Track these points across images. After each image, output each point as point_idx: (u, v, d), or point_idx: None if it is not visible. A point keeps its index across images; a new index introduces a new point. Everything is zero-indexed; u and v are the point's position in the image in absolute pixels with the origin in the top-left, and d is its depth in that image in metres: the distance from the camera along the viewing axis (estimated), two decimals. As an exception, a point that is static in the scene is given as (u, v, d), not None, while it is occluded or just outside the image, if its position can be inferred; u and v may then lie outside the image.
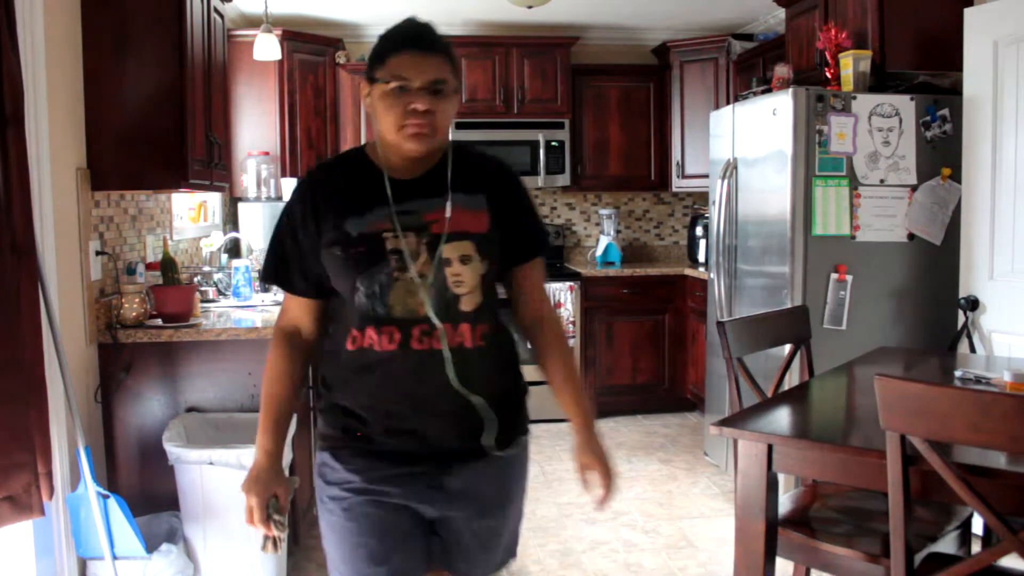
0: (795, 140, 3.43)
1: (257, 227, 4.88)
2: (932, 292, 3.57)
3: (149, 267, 3.14)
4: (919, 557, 1.93)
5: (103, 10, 2.84)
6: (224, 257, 4.35)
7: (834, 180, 3.47)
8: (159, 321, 2.99)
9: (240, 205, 4.94)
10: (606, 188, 5.76)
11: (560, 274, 5.30)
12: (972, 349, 3.31)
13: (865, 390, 2.29)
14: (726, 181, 4.01)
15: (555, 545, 3.40)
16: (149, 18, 2.88)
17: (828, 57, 3.65)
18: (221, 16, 3.53)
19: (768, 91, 3.77)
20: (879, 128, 3.47)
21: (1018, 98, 3.16)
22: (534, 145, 5.41)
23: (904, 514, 1.67)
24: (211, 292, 3.70)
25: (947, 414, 1.55)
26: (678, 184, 5.62)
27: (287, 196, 5.02)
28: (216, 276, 3.82)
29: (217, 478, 2.61)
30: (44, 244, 2.45)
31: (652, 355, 5.40)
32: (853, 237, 3.50)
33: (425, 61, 1.56)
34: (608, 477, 1.68)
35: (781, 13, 4.63)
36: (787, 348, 2.68)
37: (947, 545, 2.11)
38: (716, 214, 4.11)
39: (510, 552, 1.79)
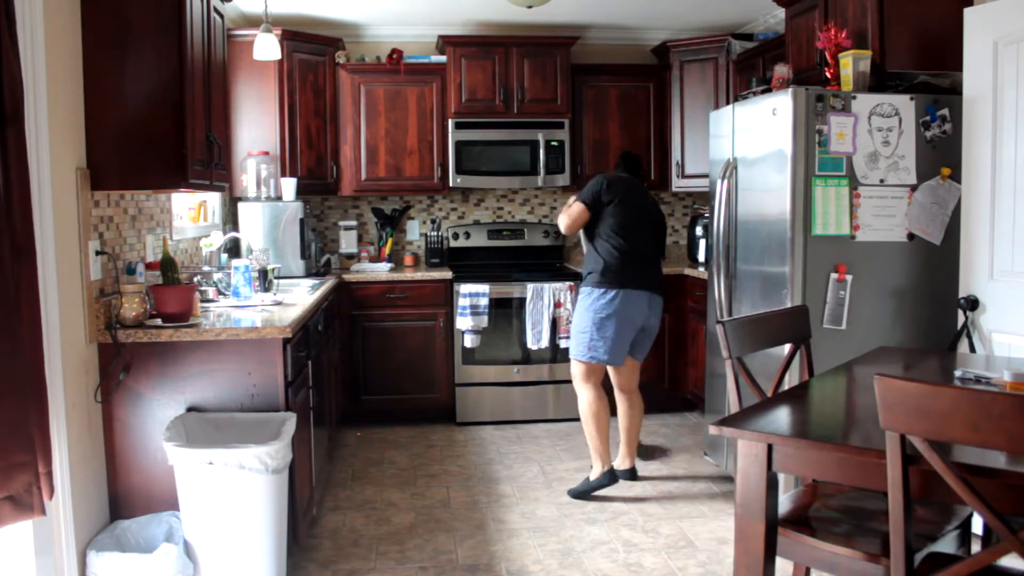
0: (795, 140, 3.43)
1: (257, 227, 4.89)
2: (932, 292, 3.57)
3: (149, 267, 3.14)
4: (919, 557, 1.93)
5: (103, 10, 2.84)
6: (224, 257, 4.35)
7: (834, 180, 3.47)
8: (159, 321, 2.99)
9: (240, 205, 4.94)
10: (606, 188, 5.76)
11: (560, 274, 5.30)
12: (972, 349, 3.31)
13: (865, 390, 2.29)
14: (726, 181, 4.01)
15: (555, 545, 3.40)
16: (149, 18, 2.88)
17: (828, 57, 3.65)
18: (221, 16, 3.53)
19: (768, 91, 3.77)
20: (879, 128, 3.47)
21: (1018, 98, 3.17)
22: (534, 145, 5.41)
23: (904, 514, 1.67)
24: (211, 292, 3.70)
25: (947, 414, 1.55)
26: (678, 184, 5.62)
27: (287, 196, 5.07)
28: (216, 276, 3.82)
29: (217, 478, 2.61)
30: (44, 244, 2.45)
31: (652, 355, 5.36)
32: (853, 237, 3.50)
33: None
34: None
35: (781, 13, 4.63)
36: (787, 348, 2.68)
37: (947, 545, 2.11)
38: (716, 214, 4.11)
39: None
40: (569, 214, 4.02)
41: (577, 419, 5.22)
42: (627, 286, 3.93)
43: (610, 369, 4.12)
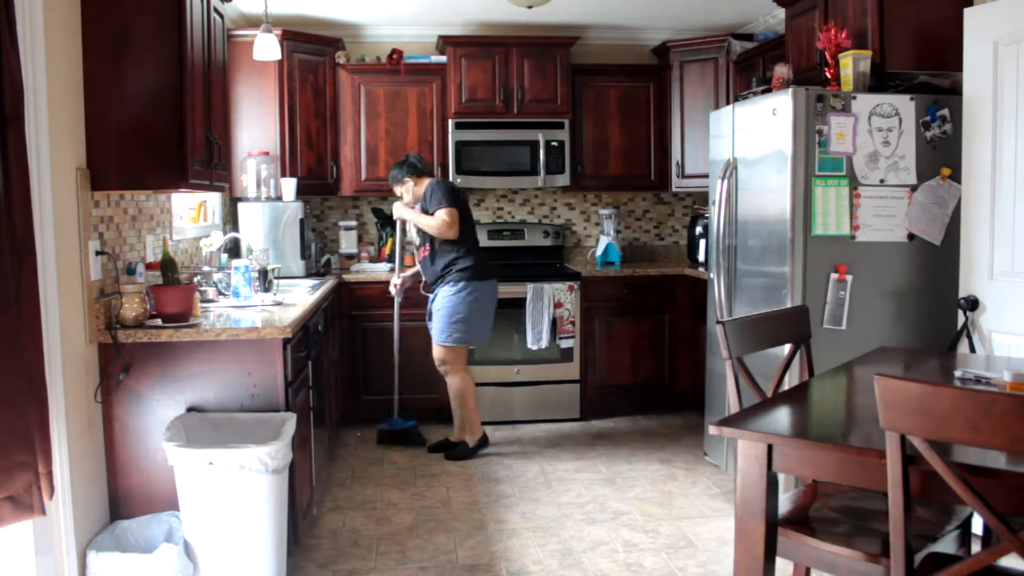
0: (795, 140, 3.43)
1: (257, 227, 4.89)
2: (932, 292, 3.57)
3: (149, 267, 3.15)
4: (919, 557, 1.93)
5: (103, 10, 2.84)
6: (224, 257, 4.35)
7: (834, 180, 3.47)
8: (159, 321, 2.99)
9: (240, 205, 4.94)
10: (606, 188, 5.76)
11: (560, 274, 5.30)
12: (972, 349, 3.31)
13: (865, 390, 2.29)
14: (726, 181, 4.01)
15: (555, 545, 3.40)
16: (149, 18, 2.88)
17: (828, 57, 3.65)
18: (221, 16, 3.53)
19: (768, 91, 3.77)
20: (879, 128, 3.47)
21: (1018, 98, 3.17)
22: (534, 145, 5.41)
23: (904, 514, 1.67)
24: (211, 292, 3.70)
25: (947, 414, 1.55)
26: (678, 184, 5.62)
27: (287, 196, 5.07)
28: (216, 276, 3.82)
29: (217, 478, 2.61)
30: (44, 244, 2.45)
31: (652, 355, 5.40)
32: (853, 237, 3.50)
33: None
34: None
35: (781, 13, 4.63)
36: (787, 348, 2.68)
37: (947, 545, 2.11)
38: (716, 214, 4.11)
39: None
40: (450, 221, 4.36)
41: (576, 419, 5.25)
42: (494, 276, 4.59)
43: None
